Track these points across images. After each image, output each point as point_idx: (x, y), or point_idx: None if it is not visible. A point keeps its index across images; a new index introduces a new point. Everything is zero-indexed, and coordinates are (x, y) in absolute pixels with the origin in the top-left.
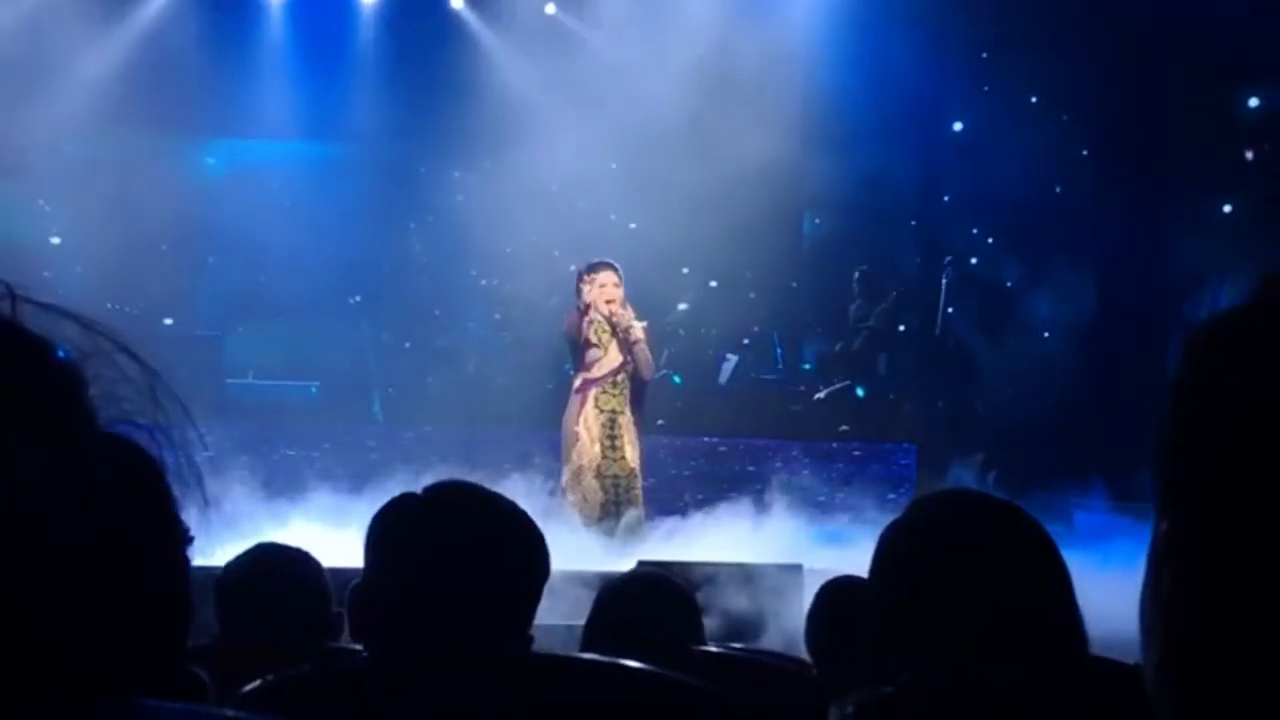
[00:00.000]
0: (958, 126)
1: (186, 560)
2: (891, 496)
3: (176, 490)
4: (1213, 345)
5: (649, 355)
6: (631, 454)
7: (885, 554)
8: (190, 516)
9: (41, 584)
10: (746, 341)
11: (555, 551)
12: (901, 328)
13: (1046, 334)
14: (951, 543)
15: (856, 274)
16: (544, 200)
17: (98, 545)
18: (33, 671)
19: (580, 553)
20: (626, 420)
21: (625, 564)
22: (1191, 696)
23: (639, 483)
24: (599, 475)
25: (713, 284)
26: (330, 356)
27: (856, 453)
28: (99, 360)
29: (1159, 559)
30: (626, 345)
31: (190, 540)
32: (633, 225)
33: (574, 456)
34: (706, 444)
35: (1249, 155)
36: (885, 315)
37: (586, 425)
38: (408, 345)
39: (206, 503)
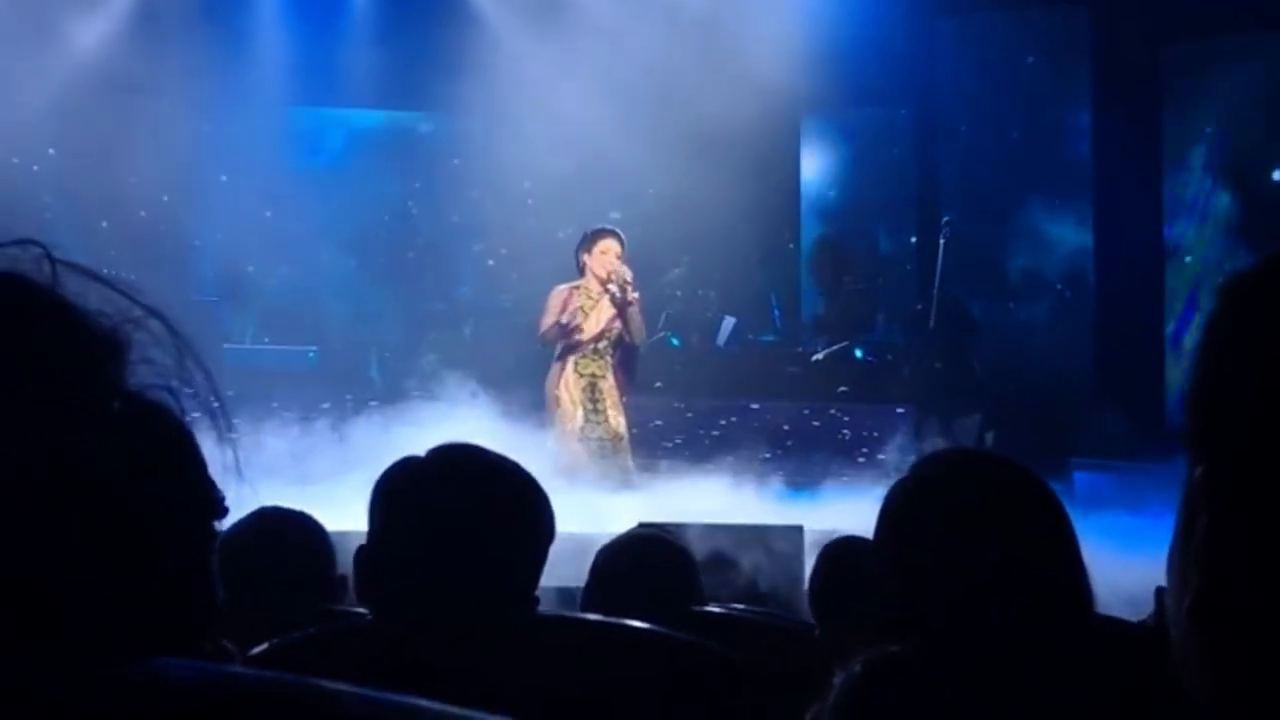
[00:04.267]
0: (952, 81)
1: (214, 532)
2: (891, 458)
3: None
4: (1249, 292)
5: (641, 320)
6: (615, 417)
7: (889, 515)
8: (225, 487)
9: (68, 553)
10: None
11: (556, 512)
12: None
13: (1045, 293)
14: (956, 503)
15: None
16: (539, 165)
17: (128, 513)
18: (53, 641)
19: (576, 515)
20: (608, 385)
21: (623, 525)
22: (1224, 640)
23: (626, 445)
24: (583, 439)
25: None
26: (328, 322)
27: (854, 415)
28: (132, 326)
29: (1193, 504)
30: (622, 306)
31: (225, 511)
32: (626, 185)
33: (557, 420)
34: (705, 406)
35: None
36: (874, 278)
37: (567, 389)
38: (405, 309)
39: (240, 474)
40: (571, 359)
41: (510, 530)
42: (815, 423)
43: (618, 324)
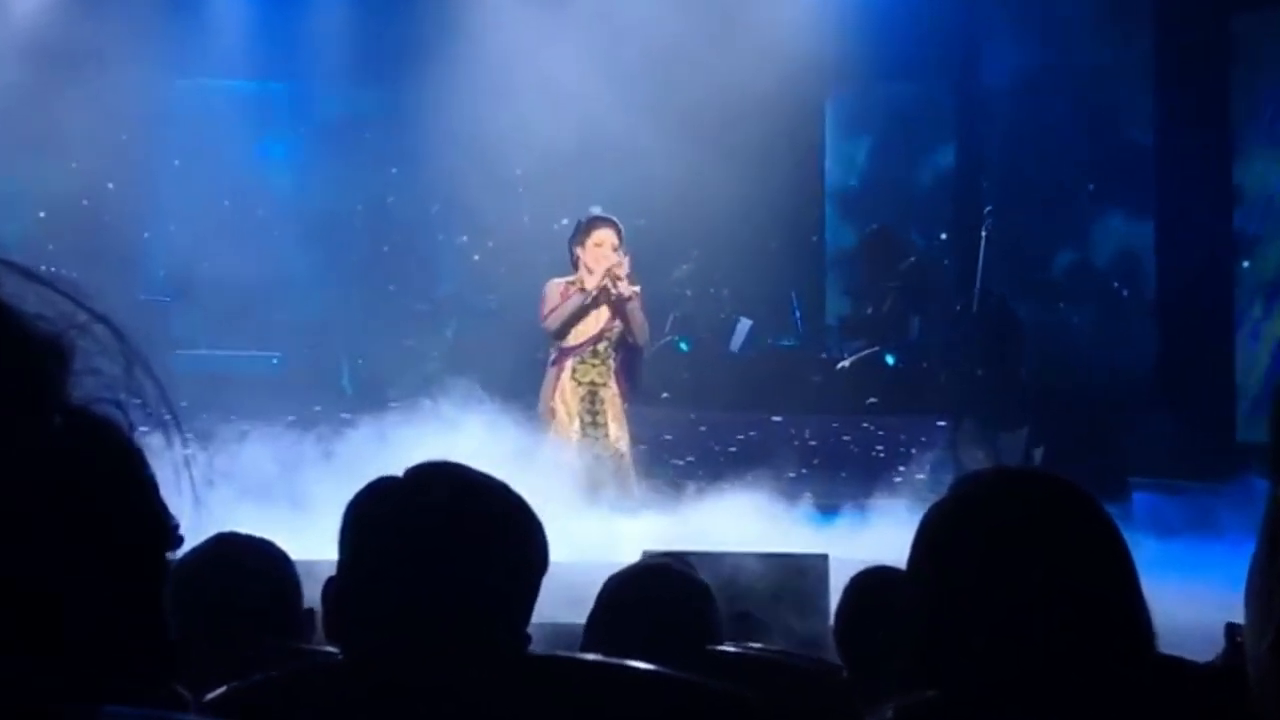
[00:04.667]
0: (995, 53)
1: (167, 563)
2: (927, 477)
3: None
4: None
5: (643, 318)
6: (617, 430)
7: (925, 542)
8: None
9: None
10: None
11: (549, 539)
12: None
13: (1099, 291)
14: (1000, 528)
15: (867, 234)
16: (532, 147)
17: (67, 539)
18: None
19: (577, 541)
20: (610, 394)
21: (626, 554)
22: None
23: (629, 462)
24: (580, 454)
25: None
26: (293, 325)
27: (885, 429)
28: (75, 332)
29: (1275, 528)
30: (619, 304)
31: (179, 539)
32: (629, 170)
33: (553, 435)
34: (719, 418)
35: None
36: (910, 274)
37: (564, 399)
38: (379, 309)
39: (197, 498)
40: (569, 363)
41: (498, 560)
42: (844, 437)
43: (619, 323)
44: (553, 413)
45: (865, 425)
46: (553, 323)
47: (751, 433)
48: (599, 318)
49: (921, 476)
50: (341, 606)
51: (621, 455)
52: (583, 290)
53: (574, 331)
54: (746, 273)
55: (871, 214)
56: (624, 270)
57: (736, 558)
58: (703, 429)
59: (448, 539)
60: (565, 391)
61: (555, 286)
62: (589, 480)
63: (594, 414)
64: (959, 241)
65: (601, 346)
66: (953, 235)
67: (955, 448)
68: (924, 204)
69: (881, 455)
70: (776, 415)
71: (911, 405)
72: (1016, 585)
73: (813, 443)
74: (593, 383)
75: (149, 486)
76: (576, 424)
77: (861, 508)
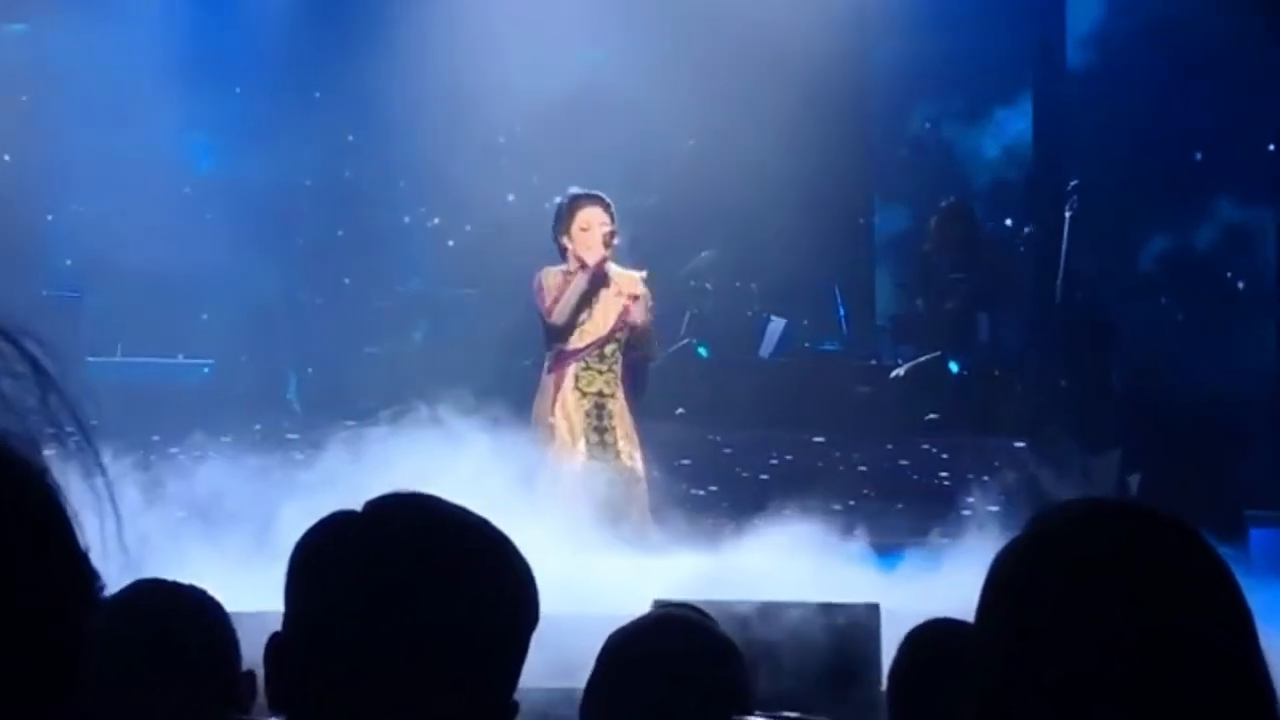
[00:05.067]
0: (1083, 11)
1: (86, 624)
2: (1001, 511)
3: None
4: None
5: (648, 319)
6: (629, 450)
7: (997, 589)
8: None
9: None
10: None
11: (542, 587)
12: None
13: (1211, 286)
14: (1088, 572)
15: (934, 218)
16: (518, 109)
17: None
18: None
19: (576, 588)
20: (618, 406)
21: (638, 602)
22: None
23: (644, 489)
24: (585, 480)
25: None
26: (228, 326)
27: (950, 451)
28: None
29: None
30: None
31: (99, 592)
32: (637, 137)
33: (550, 456)
34: (748, 439)
35: None
36: (980, 263)
37: (565, 413)
38: (334, 307)
39: (123, 544)
40: (570, 371)
41: (477, 612)
42: (901, 462)
43: (631, 320)
44: (551, 430)
45: (926, 447)
46: (560, 314)
47: (788, 456)
48: (607, 313)
49: (994, 509)
50: (287, 668)
51: (636, 479)
52: (584, 267)
53: (579, 330)
54: (779, 262)
55: (930, 191)
56: (603, 250)
57: (769, 608)
58: (728, 452)
59: (415, 587)
60: (567, 404)
61: (553, 275)
62: (598, 511)
63: (602, 430)
64: (1037, 224)
65: (609, 349)
66: (1029, 217)
67: (1035, 474)
68: (994, 179)
69: (946, 484)
70: (818, 435)
71: (981, 423)
72: (1107, 640)
73: (862, 468)
74: (600, 393)
75: (63, 531)
76: (581, 442)
77: (921, 547)
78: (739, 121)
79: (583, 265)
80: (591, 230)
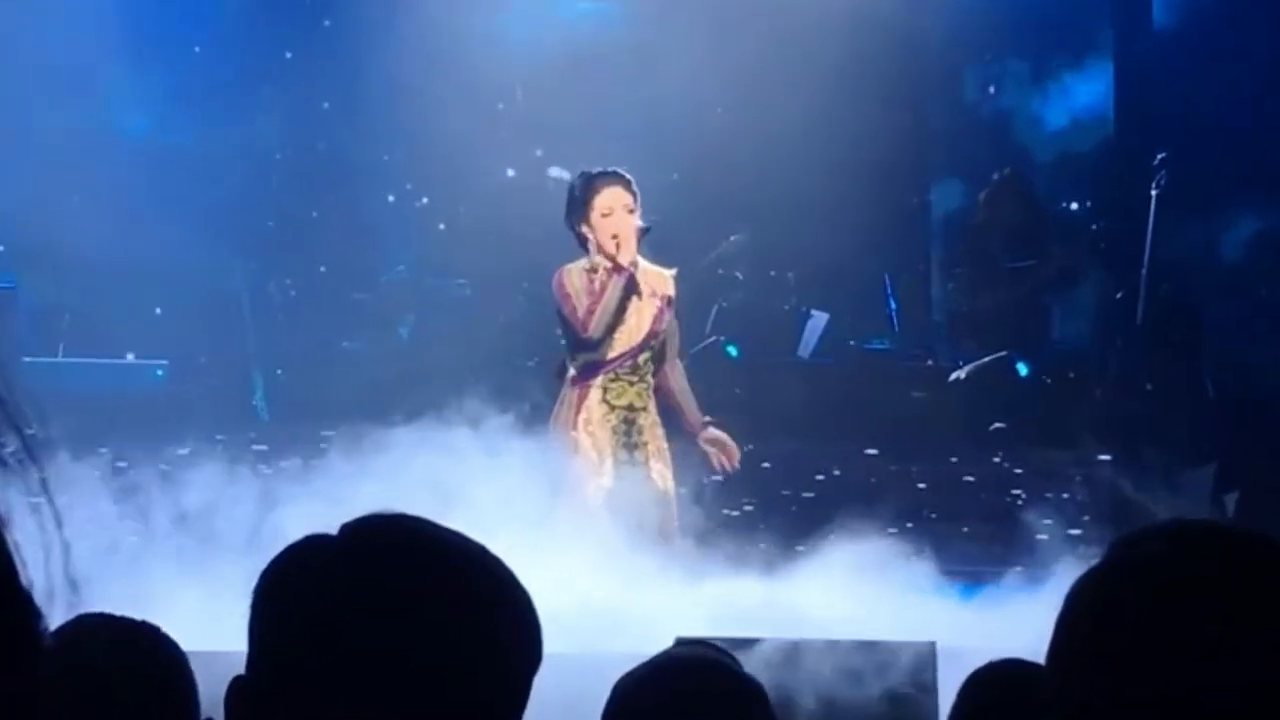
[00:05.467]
0: None
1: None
2: (1083, 534)
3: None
4: None
5: (675, 325)
6: (661, 469)
7: (1072, 624)
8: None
9: None
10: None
11: (549, 623)
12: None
13: None
14: (1177, 603)
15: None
16: (519, 71)
17: None
18: None
19: (592, 625)
20: (650, 421)
21: (662, 641)
22: None
23: (674, 513)
24: (611, 502)
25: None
26: (185, 321)
27: (1024, 465)
28: None
29: None
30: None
31: (44, 633)
32: (656, 103)
33: (572, 476)
34: (788, 450)
35: None
36: (1050, 248)
37: (590, 429)
38: (307, 300)
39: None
40: (598, 381)
41: (469, 650)
42: (966, 477)
43: (665, 325)
44: (574, 445)
45: (996, 460)
46: (597, 326)
47: (835, 471)
48: (640, 319)
49: (1075, 532)
50: (251, 713)
51: (667, 501)
52: (619, 270)
53: (614, 338)
54: (819, 247)
55: (995, 163)
56: (629, 245)
57: (806, 647)
58: (766, 465)
59: (397, 622)
60: (592, 418)
61: (576, 274)
62: (623, 537)
63: (632, 447)
64: (1116, 203)
65: (643, 359)
66: (1107, 194)
67: (1118, 492)
68: (1066, 151)
69: (1020, 502)
70: (869, 447)
71: (1054, 433)
72: (1199, 681)
73: (921, 485)
74: (630, 406)
75: (6, 572)
76: (609, 461)
77: (989, 577)
78: (773, 85)
79: (613, 263)
80: (614, 215)
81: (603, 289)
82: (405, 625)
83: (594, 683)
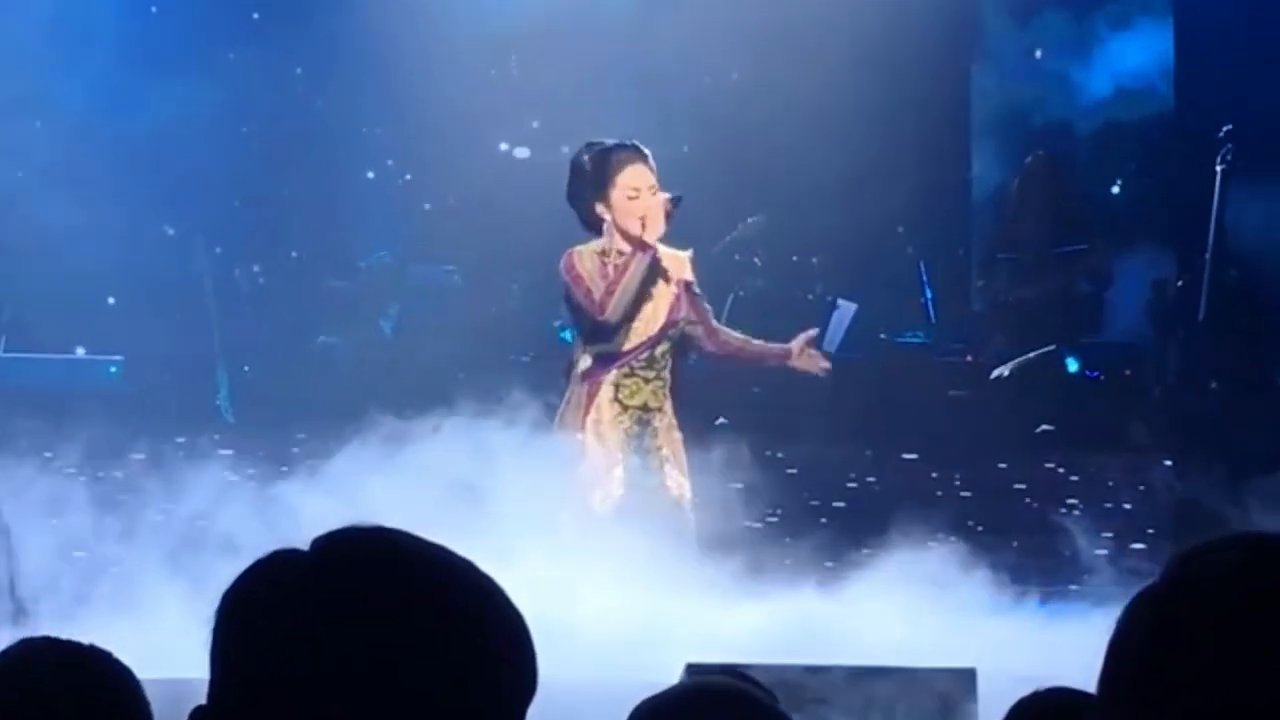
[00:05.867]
0: None
1: None
2: (1148, 548)
3: None
4: None
5: (701, 301)
6: (678, 477)
7: (1126, 649)
8: None
9: None
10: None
11: (545, 646)
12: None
13: None
14: (1243, 625)
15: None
16: (516, 32)
17: None
18: None
19: (599, 648)
20: (666, 423)
21: (668, 670)
22: None
23: (692, 526)
24: (620, 511)
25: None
26: (141, 313)
27: (1079, 472)
28: None
29: None
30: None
31: None
32: (664, 69)
33: (579, 480)
34: (816, 456)
35: None
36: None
37: (599, 430)
38: (277, 288)
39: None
40: (610, 378)
41: (456, 676)
42: (1016, 485)
43: (683, 314)
44: (581, 449)
45: (1048, 465)
46: (616, 309)
47: (869, 478)
48: (658, 306)
49: (1139, 546)
50: None
51: (684, 513)
52: (643, 247)
53: (632, 326)
54: (846, 230)
55: (1043, 138)
56: (656, 220)
57: (833, 674)
58: (791, 472)
59: (373, 643)
60: (603, 419)
61: (588, 256)
62: (634, 553)
63: (645, 451)
64: (1175, 181)
65: (660, 351)
66: (1167, 171)
67: (1181, 501)
68: (1120, 122)
69: (1078, 512)
70: (907, 452)
71: (1109, 436)
72: (1267, 708)
73: (965, 494)
74: (644, 406)
75: None
76: (620, 470)
77: (1027, 598)
78: (794, 50)
79: (638, 243)
80: (641, 197)
81: (621, 270)
82: (388, 637)
83: (607, 712)
